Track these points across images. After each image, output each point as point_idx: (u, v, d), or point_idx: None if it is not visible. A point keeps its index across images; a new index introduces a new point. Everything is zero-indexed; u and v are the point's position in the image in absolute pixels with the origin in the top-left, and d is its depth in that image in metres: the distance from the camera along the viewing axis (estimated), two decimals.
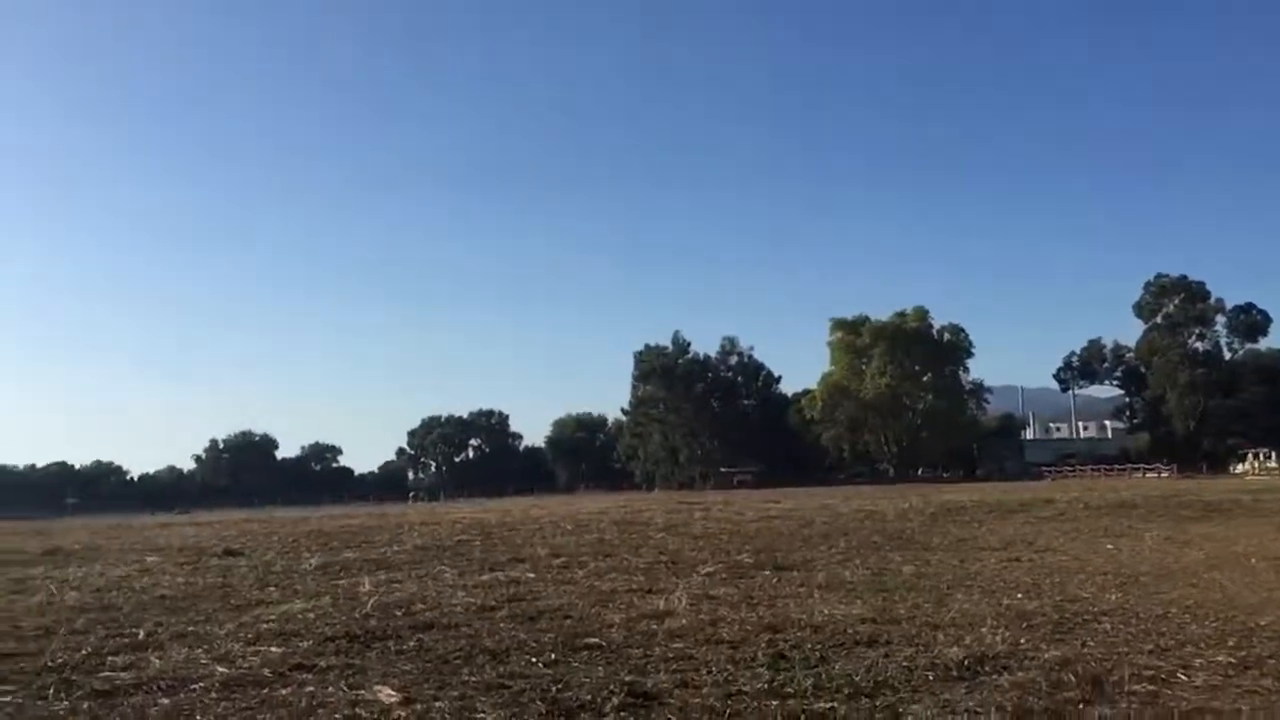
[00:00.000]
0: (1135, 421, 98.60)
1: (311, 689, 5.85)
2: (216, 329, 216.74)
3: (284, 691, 5.82)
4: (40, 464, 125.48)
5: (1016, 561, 12.64)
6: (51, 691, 5.94)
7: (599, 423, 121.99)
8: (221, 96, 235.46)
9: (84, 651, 7.25)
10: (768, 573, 11.68)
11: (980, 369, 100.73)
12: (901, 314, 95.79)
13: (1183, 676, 5.76)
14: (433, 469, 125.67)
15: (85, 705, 5.61)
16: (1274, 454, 71.07)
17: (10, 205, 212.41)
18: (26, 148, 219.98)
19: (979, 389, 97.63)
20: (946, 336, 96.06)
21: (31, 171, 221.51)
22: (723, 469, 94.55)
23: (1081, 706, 5.13)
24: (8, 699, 5.78)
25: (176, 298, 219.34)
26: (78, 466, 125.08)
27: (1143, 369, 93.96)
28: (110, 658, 7.01)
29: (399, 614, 8.74)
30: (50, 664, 6.82)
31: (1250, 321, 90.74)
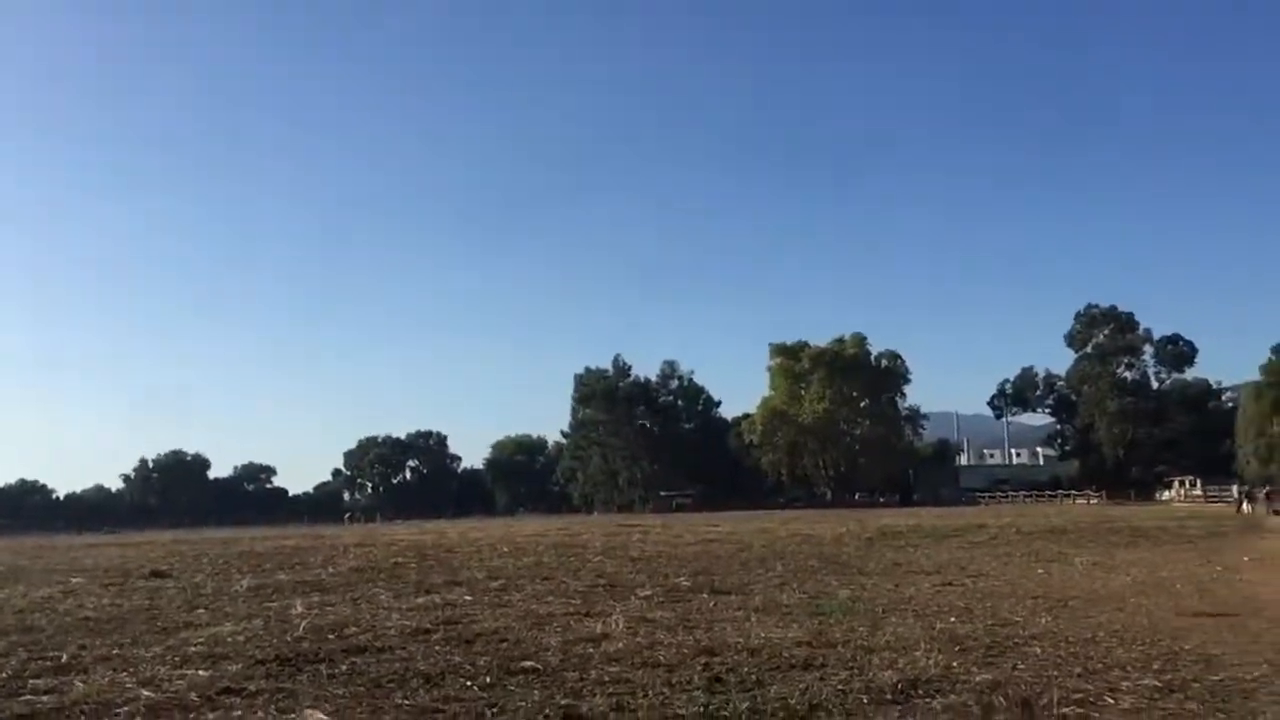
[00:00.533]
0: (1066, 449, 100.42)
1: (239, 713, 5.73)
2: (146, 345, 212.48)
3: (211, 716, 5.70)
4: None
5: (950, 586, 12.81)
6: None
7: (539, 445, 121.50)
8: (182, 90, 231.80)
9: (4, 674, 7.04)
10: (705, 596, 11.71)
11: (917, 395, 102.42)
12: (840, 340, 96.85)
13: (1110, 700, 5.86)
14: (369, 490, 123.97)
15: None
16: (1199, 482, 72.75)
17: None
18: None
19: (915, 415, 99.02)
20: (884, 363, 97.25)
21: None
22: (662, 492, 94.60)
23: None
24: None
25: (108, 311, 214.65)
26: (1, 484, 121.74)
27: (1074, 397, 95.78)
28: (32, 680, 6.81)
29: (332, 637, 8.61)
30: None
31: (1177, 352, 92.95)
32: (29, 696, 6.31)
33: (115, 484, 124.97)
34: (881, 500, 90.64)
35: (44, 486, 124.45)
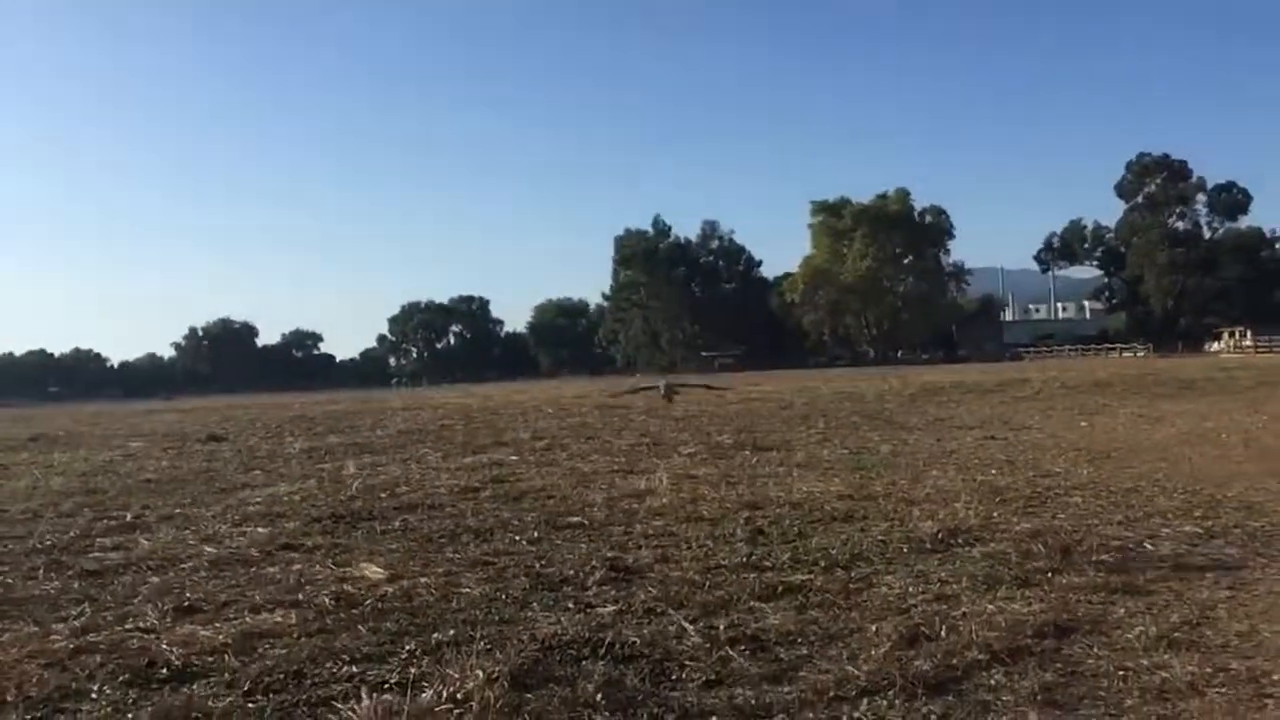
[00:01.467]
0: (1114, 302, 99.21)
1: (299, 567, 5.95)
2: (196, 215, 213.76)
3: (272, 569, 5.92)
4: (19, 352, 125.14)
5: (991, 440, 12.85)
6: (41, 572, 6.03)
7: (580, 308, 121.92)
8: None
9: (72, 533, 7.34)
10: (747, 453, 11.84)
11: (961, 251, 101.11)
12: (883, 196, 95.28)
13: (1149, 546, 5.91)
14: (414, 355, 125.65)
15: (76, 584, 5.70)
16: (1249, 332, 71.79)
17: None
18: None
19: (960, 271, 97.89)
20: (928, 218, 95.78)
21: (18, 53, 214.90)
22: (704, 353, 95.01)
23: (1050, 575, 5.27)
24: None
25: (157, 184, 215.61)
26: (57, 354, 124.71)
27: (1122, 249, 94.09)
28: (99, 539, 7.10)
29: (384, 495, 8.86)
30: (39, 545, 6.91)
31: (1231, 200, 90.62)
32: (97, 554, 6.59)
33: (167, 352, 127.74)
34: (924, 358, 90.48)
35: (99, 355, 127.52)
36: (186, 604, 5.15)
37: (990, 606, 4.71)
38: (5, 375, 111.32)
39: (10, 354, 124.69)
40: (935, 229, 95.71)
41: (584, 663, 4.09)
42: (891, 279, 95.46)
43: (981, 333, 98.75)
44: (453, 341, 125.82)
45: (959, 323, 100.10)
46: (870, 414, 17.97)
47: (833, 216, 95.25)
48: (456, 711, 3.57)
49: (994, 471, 9.56)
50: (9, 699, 3.82)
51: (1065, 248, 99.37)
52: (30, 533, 7.45)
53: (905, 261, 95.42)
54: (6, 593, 5.55)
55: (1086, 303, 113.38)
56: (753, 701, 3.65)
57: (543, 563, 5.91)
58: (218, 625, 4.73)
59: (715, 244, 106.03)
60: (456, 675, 3.77)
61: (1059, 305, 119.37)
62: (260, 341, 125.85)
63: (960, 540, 6.18)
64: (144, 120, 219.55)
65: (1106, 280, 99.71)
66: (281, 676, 3.99)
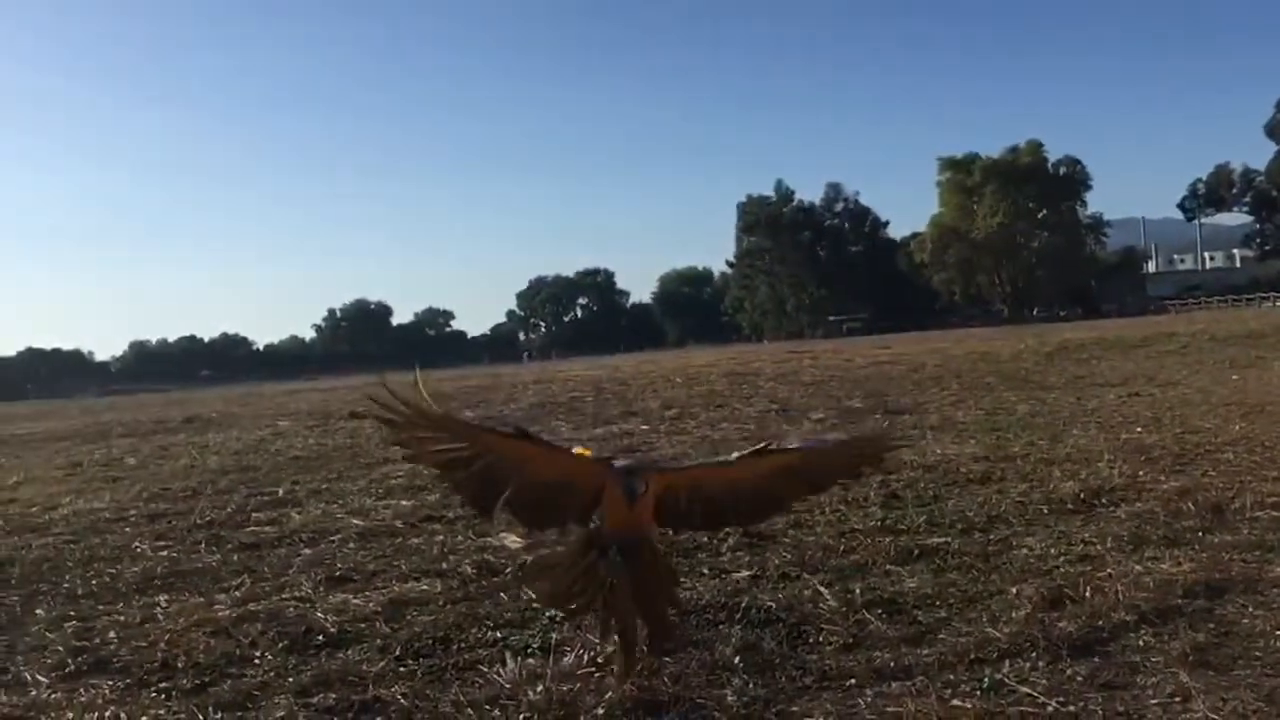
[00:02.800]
0: (1266, 249, 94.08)
1: (442, 538, 6.15)
2: (333, 203, 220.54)
3: (416, 540, 6.13)
4: (172, 338, 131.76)
5: (1136, 396, 12.40)
6: (203, 546, 6.37)
7: (705, 276, 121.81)
8: None
9: (229, 509, 7.72)
10: (879, 416, 11.70)
11: (1099, 202, 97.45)
12: (1014, 149, 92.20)
13: None
14: (542, 329, 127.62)
15: (235, 557, 6.01)
16: None
17: (137, 74, 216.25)
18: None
19: (1098, 223, 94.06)
20: (1063, 170, 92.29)
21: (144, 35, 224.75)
22: (831, 317, 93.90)
23: (1201, 534, 5.09)
24: (165, 553, 6.22)
25: (288, 170, 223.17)
26: (207, 339, 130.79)
27: (1274, 193, 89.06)
28: (254, 514, 7.45)
29: None
30: (199, 521, 7.29)
31: None
32: (253, 528, 6.92)
33: (308, 334, 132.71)
34: (1062, 314, 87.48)
35: (245, 339, 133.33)
36: (338, 574, 5.39)
37: (1137, 567, 4.58)
38: (160, 361, 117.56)
39: (164, 340, 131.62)
40: (1070, 181, 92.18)
41: (720, 627, 4.14)
42: (1025, 234, 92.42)
43: (1123, 286, 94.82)
44: (580, 314, 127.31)
45: (1098, 277, 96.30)
46: (1006, 374, 17.51)
47: (961, 173, 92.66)
48: (597, 674, 3.66)
49: (1139, 429, 9.23)
50: (180, 665, 4.06)
51: (1211, 194, 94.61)
52: (191, 509, 7.86)
53: (1039, 216, 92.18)
54: (173, 566, 5.88)
55: (1236, 251, 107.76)
56: (891, 664, 3.64)
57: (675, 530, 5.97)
58: (368, 594, 4.94)
59: (840, 206, 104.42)
60: (596, 640, 3.86)
61: (1206, 255, 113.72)
62: (395, 320, 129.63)
63: (1104, 500, 6.01)
64: (277, 114, 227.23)
65: (1258, 226, 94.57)
66: (430, 642, 4.15)
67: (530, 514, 3.77)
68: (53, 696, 3.82)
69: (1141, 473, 6.84)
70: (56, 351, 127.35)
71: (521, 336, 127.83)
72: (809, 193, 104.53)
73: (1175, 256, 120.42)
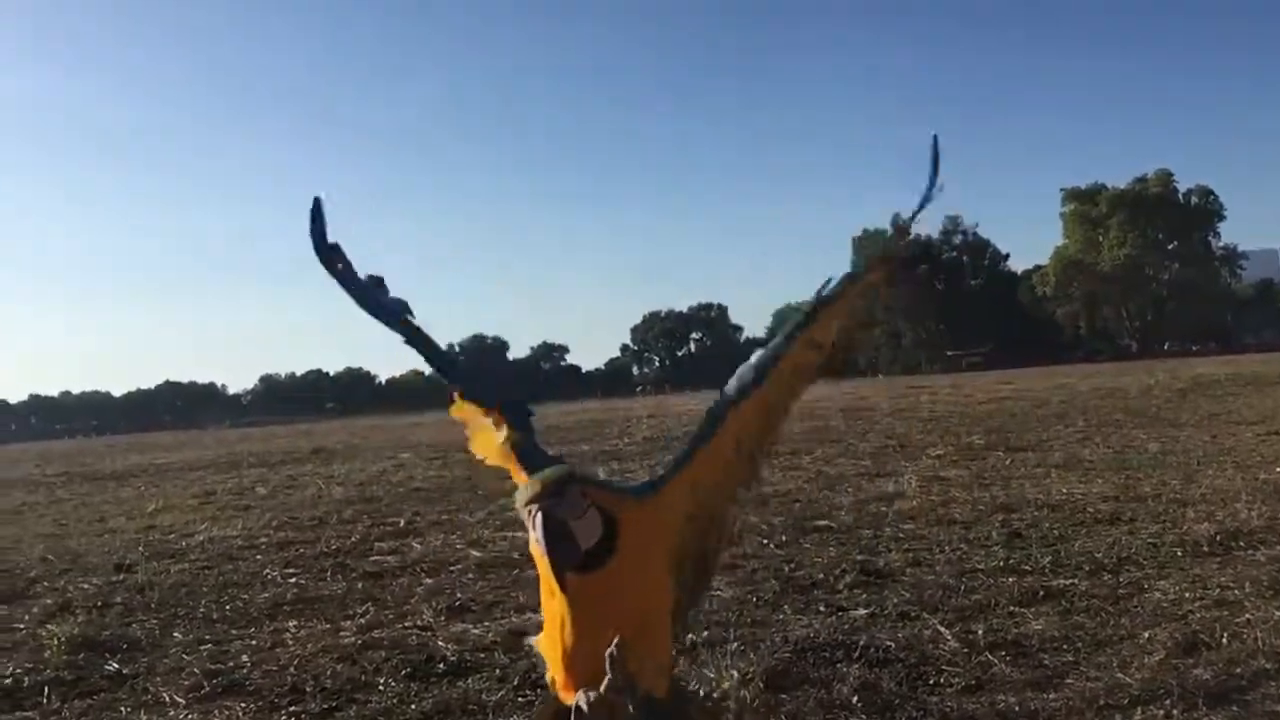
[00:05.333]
0: None
1: None
2: (448, 235, 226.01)
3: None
4: (300, 372, 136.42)
5: (1275, 435, 11.83)
6: (329, 574, 6.57)
7: None
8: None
9: (353, 538, 7.95)
10: (1000, 454, 11.42)
11: (1234, 233, 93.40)
12: (1141, 179, 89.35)
13: None
14: (656, 363, 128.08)
15: (359, 585, 6.19)
16: None
17: (274, 115, 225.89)
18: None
19: (1232, 254, 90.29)
20: (1194, 200, 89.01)
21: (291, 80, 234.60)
22: (950, 352, 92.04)
23: None
24: (293, 580, 6.44)
25: (410, 210, 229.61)
26: (332, 373, 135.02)
27: None
28: (376, 544, 7.66)
29: None
30: (325, 550, 7.53)
31: None
32: (376, 557, 7.12)
33: (427, 368, 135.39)
34: (1195, 349, 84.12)
35: (369, 373, 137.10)
36: (458, 604, 5.50)
37: (1278, 613, 4.37)
38: (287, 394, 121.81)
39: (292, 374, 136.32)
40: (1202, 211, 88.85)
41: (838, 665, 4.08)
42: (1154, 267, 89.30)
43: (1260, 320, 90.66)
44: (693, 348, 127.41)
45: (1234, 310, 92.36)
46: (1135, 410, 16.91)
47: (1086, 204, 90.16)
48: (711, 704, 3.65)
49: (1279, 469, 8.82)
50: (308, 689, 4.19)
51: None
52: (317, 538, 8.12)
53: (1169, 247, 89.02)
54: (301, 592, 6.08)
55: None
56: (1016, 708, 3.54)
57: (791, 566, 5.93)
58: (486, 624, 5.02)
59: (958, 239, 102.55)
60: (712, 675, 3.85)
61: None
62: (511, 355, 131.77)
63: (1241, 543, 5.76)
64: (389, 164, 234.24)
65: None
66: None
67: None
68: (189, 717, 3.98)
69: None
70: (192, 384, 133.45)
71: (635, 371, 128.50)
72: (926, 225, 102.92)
73: None
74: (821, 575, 5.62)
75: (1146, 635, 4.20)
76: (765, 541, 6.73)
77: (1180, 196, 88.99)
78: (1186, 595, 4.79)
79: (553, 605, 2.44)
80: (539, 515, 2.20)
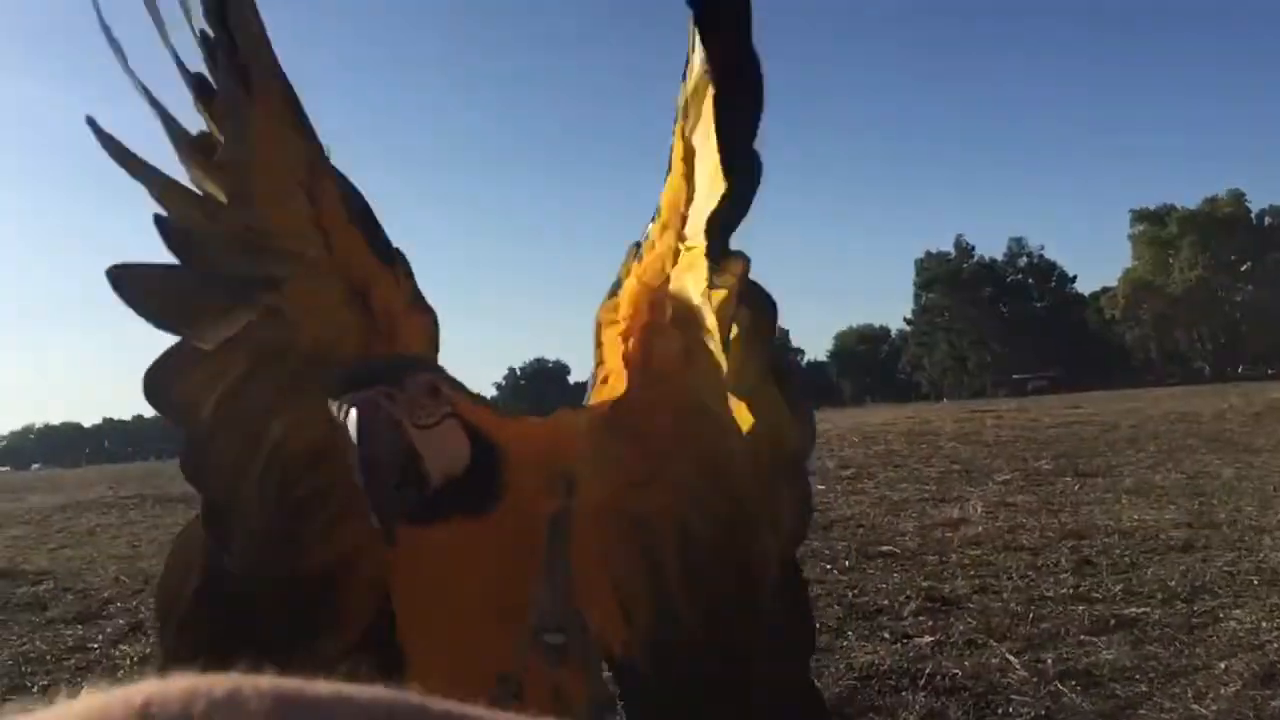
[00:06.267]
0: None
1: None
2: (508, 262, 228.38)
3: None
4: None
5: None
6: None
7: (881, 334, 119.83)
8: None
9: None
10: (1069, 479, 11.22)
11: None
12: (1212, 200, 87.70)
13: None
14: None
15: None
16: None
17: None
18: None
19: None
20: (1268, 220, 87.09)
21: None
22: (1015, 375, 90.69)
23: None
24: None
25: (464, 229, 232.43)
26: None
27: None
28: None
29: None
30: None
31: None
32: None
33: (490, 391, 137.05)
34: (1270, 372, 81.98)
35: None
36: None
37: None
38: None
39: None
40: (1277, 231, 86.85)
41: (903, 694, 4.04)
42: (1227, 288, 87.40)
43: None
44: None
45: None
46: (1208, 435, 16.51)
47: (1155, 225, 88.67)
48: None
49: None
50: None
51: None
52: None
53: (1243, 269, 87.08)
54: None
55: None
56: None
57: (855, 592, 5.88)
58: None
59: (1023, 261, 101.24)
60: None
61: None
62: (572, 379, 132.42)
63: None
64: (453, 200, 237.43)
65: None
66: None
67: None
68: None
69: None
70: None
71: None
72: (990, 248, 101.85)
73: None
74: (886, 602, 5.56)
75: (1222, 665, 4.10)
76: (828, 567, 6.69)
77: (1253, 217, 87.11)
78: (1264, 624, 4.67)
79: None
80: (350, 413, 1.30)
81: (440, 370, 1.51)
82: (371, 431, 1.29)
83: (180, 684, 0.35)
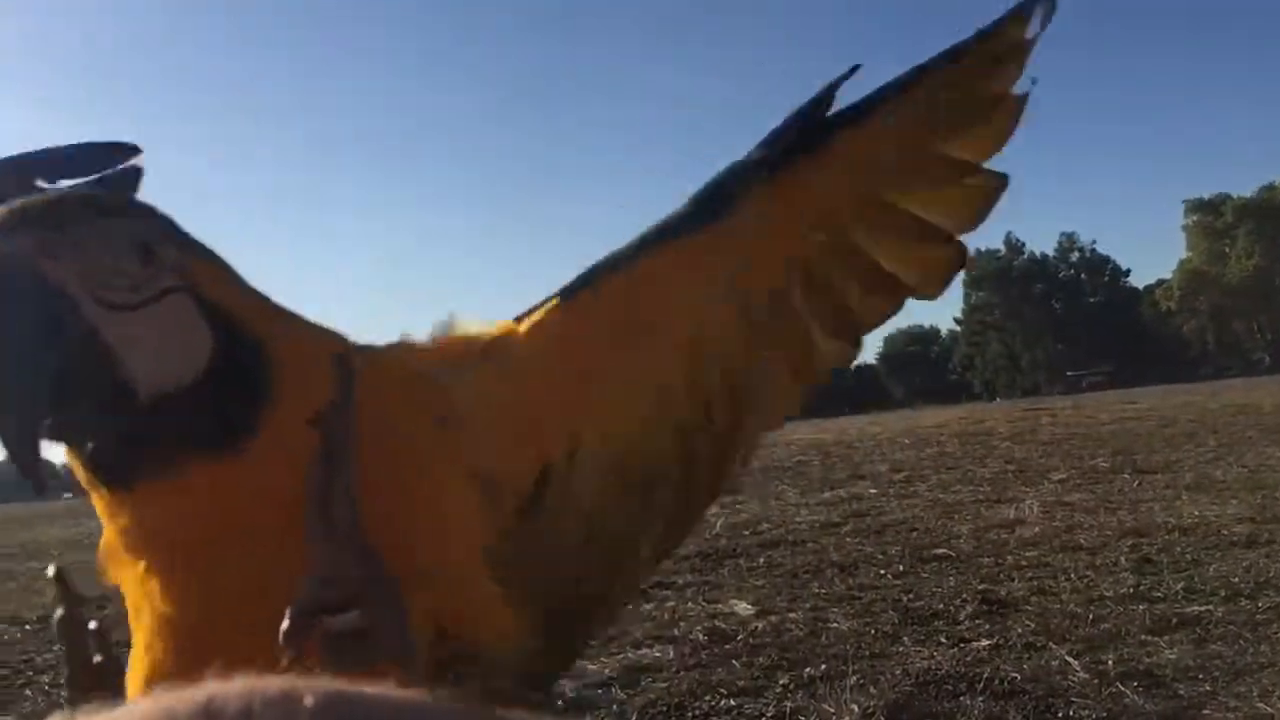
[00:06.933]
0: None
1: (673, 604, 6.22)
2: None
3: (648, 606, 6.22)
4: None
5: None
6: None
7: (931, 335, 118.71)
8: None
9: None
10: (1126, 476, 11.03)
11: None
12: (1269, 187, 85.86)
13: None
14: None
15: None
16: None
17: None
18: None
19: None
20: None
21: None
22: (1069, 372, 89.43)
23: None
24: None
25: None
26: None
27: None
28: None
29: (746, 533, 9.04)
30: None
31: None
32: None
33: None
34: None
35: None
36: None
37: None
38: None
39: None
40: None
41: (961, 698, 4.00)
42: None
43: None
44: None
45: None
46: (1270, 427, 16.15)
47: (1210, 214, 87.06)
48: None
49: None
50: None
51: None
52: None
53: None
54: None
55: None
56: None
57: (910, 596, 5.83)
58: (604, 659, 5.04)
59: (1075, 256, 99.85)
60: (832, 709, 3.81)
61: None
62: None
63: None
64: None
65: None
66: (665, 709, 4.20)
67: None
68: None
69: None
70: None
71: None
72: (1041, 244, 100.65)
73: None
74: (942, 605, 5.51)
75: None
76: (882, 571, 6.64)
77: None
78: None
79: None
80: None
81: (173, 225, 0.93)
82: (4, 310, 0.78)
83: (240, 684, 0.38)
